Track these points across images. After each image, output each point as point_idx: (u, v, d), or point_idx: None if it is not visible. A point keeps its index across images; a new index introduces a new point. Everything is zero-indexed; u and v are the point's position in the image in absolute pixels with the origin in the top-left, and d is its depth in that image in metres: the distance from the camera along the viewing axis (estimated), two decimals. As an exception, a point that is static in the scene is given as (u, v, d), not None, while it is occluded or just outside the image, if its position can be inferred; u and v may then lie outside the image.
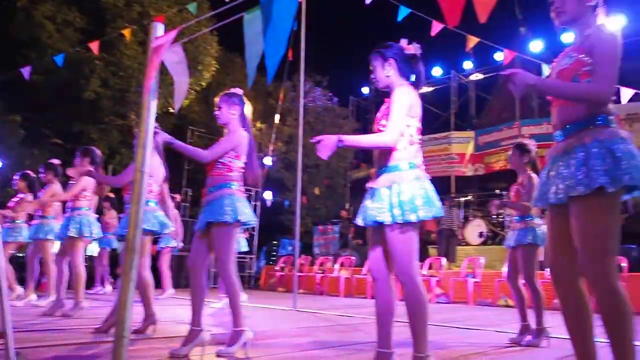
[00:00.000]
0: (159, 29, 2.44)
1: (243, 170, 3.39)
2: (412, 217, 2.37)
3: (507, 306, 7.82)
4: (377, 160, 2.58)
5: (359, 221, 2.60)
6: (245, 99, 3.48)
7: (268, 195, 12.46)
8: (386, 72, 2.58)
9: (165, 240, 7.74)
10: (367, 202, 2.54)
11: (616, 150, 1.93)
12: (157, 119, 2.43)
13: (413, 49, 2.61)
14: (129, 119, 12.99)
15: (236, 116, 3.38)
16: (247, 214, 3.23)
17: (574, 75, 2.04)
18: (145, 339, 3.76)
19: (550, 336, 3.83)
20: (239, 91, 3.48)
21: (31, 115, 12.26)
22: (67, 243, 5.04)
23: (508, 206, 4.26)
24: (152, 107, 2.37)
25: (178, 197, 8.44)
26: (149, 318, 3.94)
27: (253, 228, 13.00)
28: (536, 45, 12.71)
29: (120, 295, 2.17)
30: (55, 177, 5.77)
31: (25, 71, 6.58)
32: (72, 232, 4.91)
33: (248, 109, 3.48)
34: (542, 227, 4.01)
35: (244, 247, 7.37)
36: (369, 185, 2.58)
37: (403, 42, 2.62)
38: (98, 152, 5.16)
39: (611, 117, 2.02)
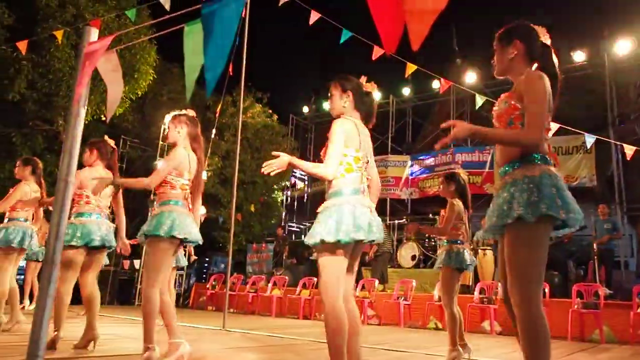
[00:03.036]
0: (92, 33, 2.33)
1: (188, 187, 3.46)
2: (329, 238, 2.45)
3: (437, 329, 7.99)
4: (326, 186, 2.72)
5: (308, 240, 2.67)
6: (195, 120, 3.59)
7: (202, 211, 12.16)
8: (343, 103, 2.76)
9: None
10: (314, 225, 2.62)
11: (542, 185, 2.11)
12: (88, 127, 2.29)
13: (370, 87, 2.84)
14: (57, 125, 12.32)
15: (182, 135, 3.50)
16: (186, 231, 3.28)
17: (508, 119, 2.26)
18: (85, 356, 3.61)
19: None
20: (190, 112, 3.60)
21: (-54, 114, 11.38)
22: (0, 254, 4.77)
23: (425, 230, 4.44)
24: (81, 113, 2.25)
25: None
26: (90, 333, 3.82)
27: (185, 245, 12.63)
28: (471, 76, 13.32)
29: (36, 313, 2.02)
30: (32, 174, 5.35)
31: (-58, 67, 6.12)
32: (4, 244, 4.70)
33: (196, 129, 3.57)
34: (466, 251, 4.19)
35: (183, 262, 7.01)
36: (318, 210, 2.67)
37: (362, 79, 2.84)
38: (38, 162, 5.09)
39: (545, 156, 2.21)
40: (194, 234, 3.36)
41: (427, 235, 10.92)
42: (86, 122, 2.59)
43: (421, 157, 14.46)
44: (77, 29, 10.41)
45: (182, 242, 3.38)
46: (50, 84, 11.21)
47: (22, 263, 7.27)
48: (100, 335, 3.91)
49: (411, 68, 7.00)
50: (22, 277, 8.60)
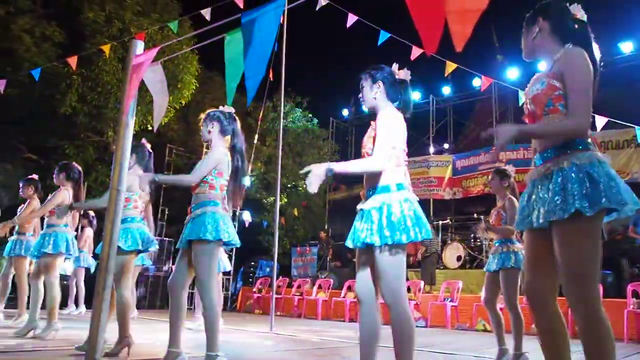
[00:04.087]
0: (138, 46, 2.41)
1: (225, 188, 3.35)
2: (403, 238, 2.33)
3: (485, 330, 7.82)
4: (366, 182, 2.57)
5: (349, 243, 2.57)
6: (230, 115, 3.43)
7: (247, 216, 12.33)
8: (373, 94, 2.61)
9: (139, 259, 7.58)
10: (357, 224, 2.52)
11: (594, 174, 1.94)
12: (136, 137, 2.38)
13: (403, 74, 2.66)
14: (106, 136, 12.81)
15: (214, 133, 3.37)
16: (230, 232, 3.20)
17: (547, 100, 2.10)
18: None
19: (528, 362, 3.82)
20: (226, 109, 3.45)
21: (4, 129, 11.99)
22: (42, 261, 4.85)
23: (492, 230, 4.27)
24: (130, 124, 2.33)
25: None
26: (124, 340, 3.79)
27: (230, 249, 12.86)
28: (513, 73, 13.00)
29: (93, 317, 2.09)
30: (35, 192, 5.63)
31: (0, 84, 6.45)
32: (48, 249, 4.74)
33: (231, 126, 3.43)
34: (522, 250, 4.04)
35: (228, 267, 7.09)
36: (359, 207, 2.57)
37: (394, 67, 2.67)
38: (76, 167, 5.10)
39: (589, 141, 2.04)
40: (234, 236, 3.26)
41: (473, 235, 10.73)
42: (134, 132, 2.67)
43: (464, 156, 14.21)
44: (124, 42, 10.81)
45: (226, 244, 3.30)
46: (99, 96, 11.67)
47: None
48: (137, 341, 3.93)
49: (451, 67, 6.91)
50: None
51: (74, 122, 12.09)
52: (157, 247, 4.14)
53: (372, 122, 2.63)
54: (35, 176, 5.85)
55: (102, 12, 11.48)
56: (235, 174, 3.37)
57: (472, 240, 10.77)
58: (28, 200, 5.62)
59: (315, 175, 2.32)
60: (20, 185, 5.76)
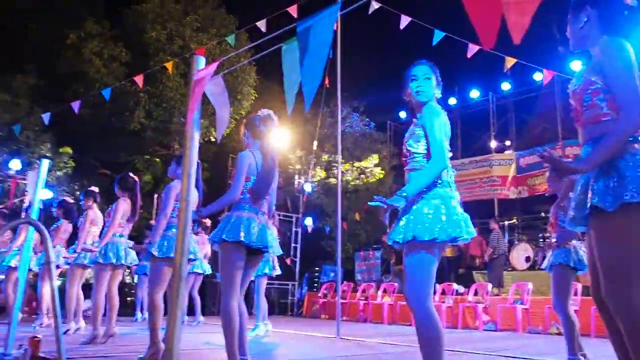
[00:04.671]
0: (200, 61, 2.51)
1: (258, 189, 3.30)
2: (425, 236, 2.25)
3: (560, 334, 7.49)
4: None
5: (387, 240, 2.52)
6: (265, 118, 3.44)
7: (309, 222, 12.46)
8: (434, 90, 2.54)
9: (198, 266, 7.81)
10: (400, 222, 2.42)
11: (624, 167, 1.83)
12: (200, 149, 2.47)
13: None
14: (173, 149, 13.36)
15: (249, 139, 3.44)
16: (251, 234, 3.12)
17: (584, 95, 2.00)
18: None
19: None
20: (263, 112, 3.49)
21: (80, 147, 12.76)
22: (96, 269, 5.07)
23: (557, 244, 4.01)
24: (195, 137, 2.42)
25: (208, 221, 8.49)
26: (154, 346, 3.85)
27: (295, 254, 13.02)
28: (576, 64, 12.42)
29: (169, 325, 2.16)
30: (94, 203, 5.95)
31: (75, 105, 6.86)
32: (100, 259, 4.96)
33: (268, 127, 3.43)
34: (580, 249, 3.82)
35: (277, 271, 6.70)
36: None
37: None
38: (131, 177, 5.29)
39: (637, 134, 1.89)
40: (258, 239, 3.17)
41: (542, 235, 10.34)
42: (199, 144, 2.78)
43: (527, 153, 13.71)
44: (185, 58, 11.25)
45: (262, 249, 3.25)
46: (164, 112, 12.21)
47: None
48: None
49: (510, 62, 6.70)
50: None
51: (142, 137, 12.70)
52: (200, 255, 4.19)
53: (413, 120, 2.58)
54: (95, 188, 6.17)
55: (163, 31, 12.03)
56: (262, 174, 3.32)
57: (542, 240, 10.36)
58: (86, 212, 5.89)
59: (385, 211, 2.28)
60: (81, 197, 6.14)
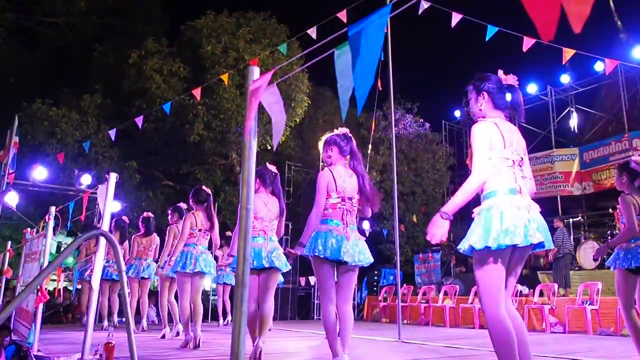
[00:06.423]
0: (255, 72, 2.60)
1: (340, 206, 3.50)
2: (478, 245, 2.35)
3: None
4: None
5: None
6: (345, 136, 3.66)
7: (366, 225, 12.45)
8: (479, 105, 2.63)
9: (226, 276, 8.31)
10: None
11: None
12: (257, 157, 2.55)
13: (510, 79, 2.61)
14: (231, 159, 13.72)
15: (333, 157, 3.63)
16: (328, 248, 3.35)
17: None
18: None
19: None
20: (341, 130, 3.68)
21: (144, 160, 13.35)
22: (177, 279, 5.33)
23: (613, 245, 3.84)
24: (252, 146, 2.51)
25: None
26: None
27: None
28: (639, 52, 11.79)
29: (234, 330, 2.25)
30: (180, 219, 6.22)
31: (139, 120, 7.18)
32: (177, 268, 5.18)
33: (348, 145, 3.66)
34: None
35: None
36: (474, 210, 2.57)
37: (500, 73, 2.64)
38: (204, 190, 5.51)
39: None
40: (331, 251, 3.34)
41: (610, 231, 9.86)
42: (256, 151, 2.88)
43: (591, 148, 13.11)
44: (239, 70, 11.56)
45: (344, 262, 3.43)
46: (222, 122, 12.57)
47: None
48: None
49: (569, 53, 6.44)
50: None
51: (202, 148, 13.14)
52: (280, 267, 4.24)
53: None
54: (183, 205, 6.46)
55: (218, 44, 12.41)
56: (361, 193, 3.60)
57: (610, 237, 9.87)
58: (169, 227, 6.21)
59: (435, 230, 2.40)
60: (169, 212, 6.55)
